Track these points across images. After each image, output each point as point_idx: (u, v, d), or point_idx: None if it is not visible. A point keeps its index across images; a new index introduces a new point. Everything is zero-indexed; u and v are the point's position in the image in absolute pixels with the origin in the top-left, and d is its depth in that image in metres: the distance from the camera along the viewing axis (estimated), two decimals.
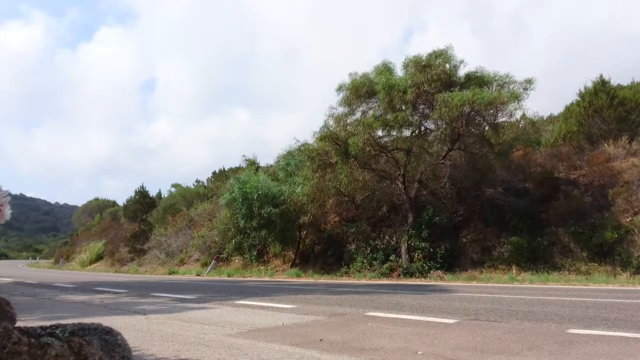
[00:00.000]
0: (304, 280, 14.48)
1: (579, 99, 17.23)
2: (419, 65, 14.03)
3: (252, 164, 22.47)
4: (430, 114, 14.24)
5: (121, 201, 38.08)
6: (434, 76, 13.58)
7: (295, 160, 17.69)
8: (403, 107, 14.23)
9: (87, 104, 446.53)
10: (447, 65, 13.99)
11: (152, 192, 38.95)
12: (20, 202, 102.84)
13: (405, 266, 13.78)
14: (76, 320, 1.86)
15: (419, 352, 3.29)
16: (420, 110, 14.94)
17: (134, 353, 2.18)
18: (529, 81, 13.43)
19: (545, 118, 20.97)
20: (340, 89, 15.32)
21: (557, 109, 20.15)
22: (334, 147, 14.50)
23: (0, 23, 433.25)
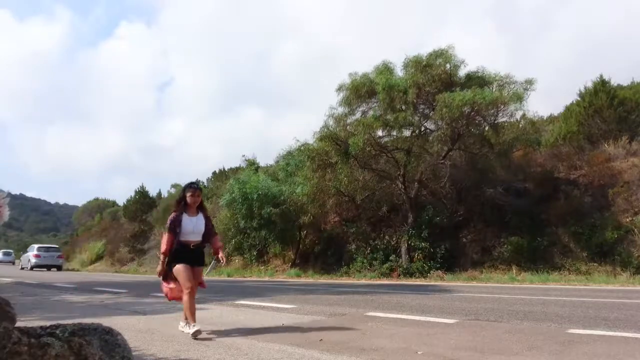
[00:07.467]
0: (304, 280, 14.48)
1: (579, 99, 17.23)
2: (419, 65, 14.03)
3: (252, 164, 22.45)
4: (431, 114, 14.24)
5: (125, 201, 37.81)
6: (435, 76, 13.60)
7: (295, 160, 17.68)
8: (403, 108, 14.23)
9: (103, 103, 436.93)
10: (448, 65, 14.01)
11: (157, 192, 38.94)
12: (20, 202, 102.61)
13: (405, 266, 13.79)
14: (76, 320, 1.86)
15: (419, 352, 3.29)
16: (421, 110, 14.95)
17: (134, 353, 2.18)
18: (529, 81, 13.45)
19: (545, 118, 20.97)
20: (340, 89, 15.32)
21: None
22: (334, 147, 14.51)
23: (22, 19, 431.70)
